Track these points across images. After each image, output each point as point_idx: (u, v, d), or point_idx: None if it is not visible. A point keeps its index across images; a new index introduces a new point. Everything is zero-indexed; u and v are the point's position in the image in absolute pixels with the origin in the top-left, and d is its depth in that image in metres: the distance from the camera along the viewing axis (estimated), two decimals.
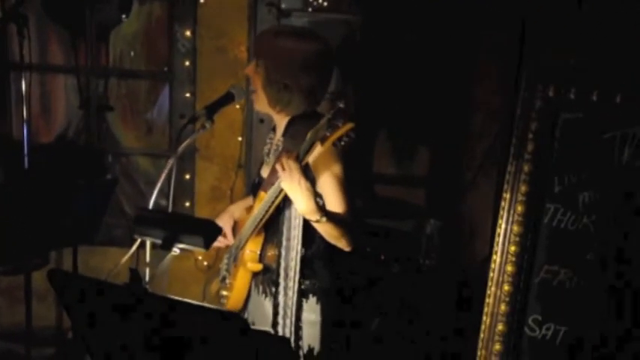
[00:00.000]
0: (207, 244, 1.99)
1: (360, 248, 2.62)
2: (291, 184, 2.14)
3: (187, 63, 3.76)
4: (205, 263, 3.87)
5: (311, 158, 2.15)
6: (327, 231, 2.28)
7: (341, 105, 2.07)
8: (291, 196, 2.19)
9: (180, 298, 1.78)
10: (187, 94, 3.79)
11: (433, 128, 3.78)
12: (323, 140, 2.06)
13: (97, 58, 3.89)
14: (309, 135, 2.15)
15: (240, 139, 3.80)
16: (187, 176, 3.85)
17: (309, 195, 2.17)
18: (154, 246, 2.09)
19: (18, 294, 3.52)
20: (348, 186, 2.32)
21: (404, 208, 3.73)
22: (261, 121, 3.78)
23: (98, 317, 1.89)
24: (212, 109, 2.48)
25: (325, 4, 3.73)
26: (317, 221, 2.23)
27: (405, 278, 3.31)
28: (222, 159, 3.84)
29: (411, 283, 3.31)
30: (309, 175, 2.22)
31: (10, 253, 2.79)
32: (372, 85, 3.77)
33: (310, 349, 2.44)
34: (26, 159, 3.21)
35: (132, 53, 3.95)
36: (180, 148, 2.42)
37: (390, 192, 3.86)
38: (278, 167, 2.17)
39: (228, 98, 2.53)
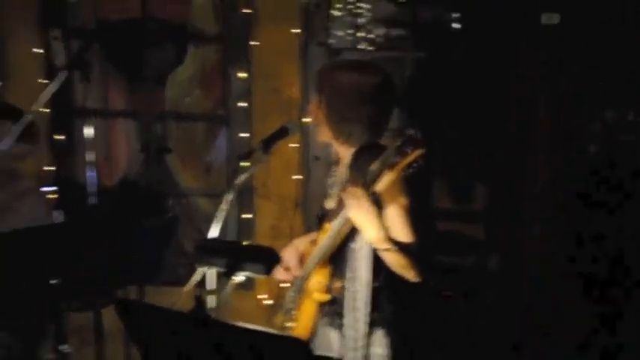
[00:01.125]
0: (267, 271, 2.02)
1: (423, 283, 2.61)
2: (359, 212, 2.15)
3: (242, 104, 3.84)
4: (267, 302, 3.88)
5: (379, 186, 2.16)
6: (395, 260, 2.26)
7: (410, 132, 2.09)
8: (359, 225, 2.19)
9: (244, 324, 1.80)
10: (243, 135, 3.85)
11: (492, 161, 3.77)
12: (392, 167, 2.08)
13: (156, 102, 4.02)
14: (377, 163, 2.16)
15: (296, 177, 3.85)
16: (247, 215, 3.88)
17: (378, 223, 2.17)
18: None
19: (88, 335, 3.58)
20: (415, 216, 2.29)
21: (465, 244, 3.70)
22: (317, 158, 3.83)
23: (164, 344, 1.93)
24: (268, 143, 2.55)
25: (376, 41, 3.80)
26: (386, 250, 2.22)
27: (468, 313, 3.28)
28: (280, 198, 3.88)
29: (473, 318, 3.27)
30: (377, 203, 2.22)
31: (78, 291, 2.86)
32: (428, 120, 3.79)
33: None
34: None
35: (188, 96, 4.06)
36: (238, 182, 2.48)
37: (451, 227, 3.83)
38: (345, 196, 2.18)
39: (282, 132, 2.59)
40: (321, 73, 2.50)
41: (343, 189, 2.28)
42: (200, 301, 1.89)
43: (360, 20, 3.89)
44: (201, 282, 2.18)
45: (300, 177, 3.87)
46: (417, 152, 2.06)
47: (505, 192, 3.70)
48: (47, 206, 3.69)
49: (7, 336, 2.89)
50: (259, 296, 3.88)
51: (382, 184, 2.16)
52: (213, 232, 2.31)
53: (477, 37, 3.70)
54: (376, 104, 2.39)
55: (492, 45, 3.60)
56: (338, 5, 3.87)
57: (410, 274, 2.30)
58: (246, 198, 3.89)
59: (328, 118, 2.43)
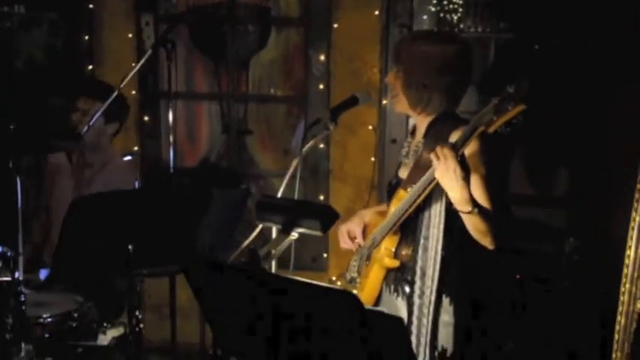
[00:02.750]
0: (324, 228, 2.03)
1: (495, 266, 2.57)
2: (447, 172, 2.12)
3: (321, 86, 3.87)
4: (339, 283, 3.89)
5: (468, 149, 2.16)
6: (474, 225, 2.25)
7: (510, 89, 2.05)
8: (446, 185, 2.18)
9: (295, 277, 1.82)
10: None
11: (574, 148, 3.67)
12: (488, 125, 2.06)
13: (238, 85, 4.11)
14: (471, 123, 2.13)
15: (373, 159, 3.85)
16: (321, 197, 3.92)
17: (464, 184, 2.14)
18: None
19: (165, 311, 3.72)
20: (493, 185, 2.30)
21: (543, 229, 3.62)
22: (394, 141, 3.82)
23: (221, 295, 1.97)
24: (336, 112, 2.59)
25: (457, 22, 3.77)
26: (468, 212, 2.20)
27: (543, 298, 3.20)
28: (356, 180, 3.90)
29: (548, 303, 3.19)
30: (464, 164, 2.19)
31: (153, 258, 2.94)
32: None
33: (444, 350, 2.40)
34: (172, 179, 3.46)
35: (270, 78, 4.13)
36: (305, 149, 2.52)
37: (530, 213, 3.77)
38: (432, 157, 2.16)
39: (352, 101, 2.62)
40: (400, 43, 2.54)
41: (426, 153, 2.27)
42: (254, 255, 1.93)
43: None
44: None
45: (376, 160, 3.87)
46: (518, 108, 2.03)
47: (587, 177, 3.59)
48: (134, 179, 3.84)
49: (84, 301, 3.02)
50: (331, 278, 3.90)
51: (473, 146, 2.17)
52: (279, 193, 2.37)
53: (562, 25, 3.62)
54: (454, 72, 2.41)
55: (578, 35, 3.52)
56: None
57: (486, 240, 2.30)
58: (322, 180, 3.93)
59: (406, 87, 2.45)
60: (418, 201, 2.30)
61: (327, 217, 2.06)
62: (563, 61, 3.61)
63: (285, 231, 2.04)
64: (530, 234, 3.44)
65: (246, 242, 2.12)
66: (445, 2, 3.84)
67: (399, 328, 1.80)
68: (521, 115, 2.02)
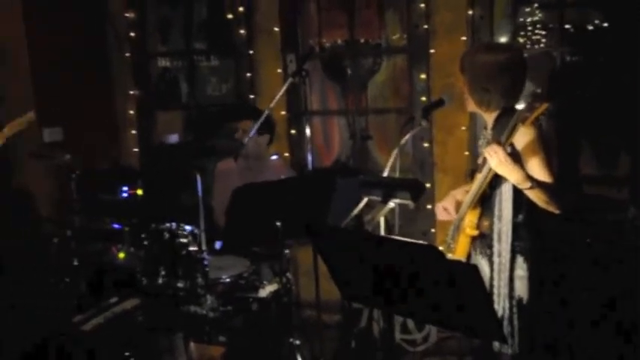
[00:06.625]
0: (414, 198, 2.04)
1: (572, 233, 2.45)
2: (500, 164, 2.12)
3: (424, 98, 3.84)
4: (441, 248, 3.83)
5: (516, 138, 2.13)
6: (537, 196, 2.21)
7: (538, 90, 2.05)
8: (502, 173, 2.16)
9: (390, 236, 1.85)
10: (423, 123, 3.84)
11: (634, 138, 3.42)
12: (524, 120, 2.05)
13: (359, 102, 4.18)
14: (512, 120, 2.13)
15: (466, 153, 3.78)
16: (428, 185, 3.89)
17: (517, 168, 2.12)
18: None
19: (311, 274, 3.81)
20: (550, 162, 2.24)
21: (610, 202, 3.41)
22: None
23: (337, 251, 2.03)
24: (426, 111, 2.58)
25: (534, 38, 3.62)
26: (529, 188, 2.17)
27: (608, 259, 3.00)
28: (454, 170, 3.84)
29: (613, 263, 2.98)
30: (513, 151, 2.17)
31: (296, 231, 3.01)
32: (579, 103, 3.53)
33: (520, 298, 2.35)
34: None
35: (383, 95, 4.18)
36: (403, 140, 2.53)
37: (599, 190, 3.58)
38: (486, 153, 2.16)
39: (439, 102, 2.60)
40: (464, 56, 2.50)
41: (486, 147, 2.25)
42: (360, 220, 1.98)
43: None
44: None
45: (470, 153, 3.78)
46: (544, 105, 2.02)
47: None
48: (283, 174, 3.99)
49: (250, 264, 3.14)
50: (440, 248, 3.84)
51: (519, 137, 2.13)
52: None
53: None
54: (509, 76, 2.34)
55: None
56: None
57: (551, 207, 2.24)
58: (427, 172, 3.90)
59: (472, 91, 2.42)
60: (486, 182, 2.27)
61: (416, 189, 2.07)
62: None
63: (383, 201, 2.07)
64: (599, 206, 3.26)
65: (355, 211, 2.17)
66: (530, 33, 3.69)
67: (473, 273, 1.79)
68: (547, 111, 1.99)
